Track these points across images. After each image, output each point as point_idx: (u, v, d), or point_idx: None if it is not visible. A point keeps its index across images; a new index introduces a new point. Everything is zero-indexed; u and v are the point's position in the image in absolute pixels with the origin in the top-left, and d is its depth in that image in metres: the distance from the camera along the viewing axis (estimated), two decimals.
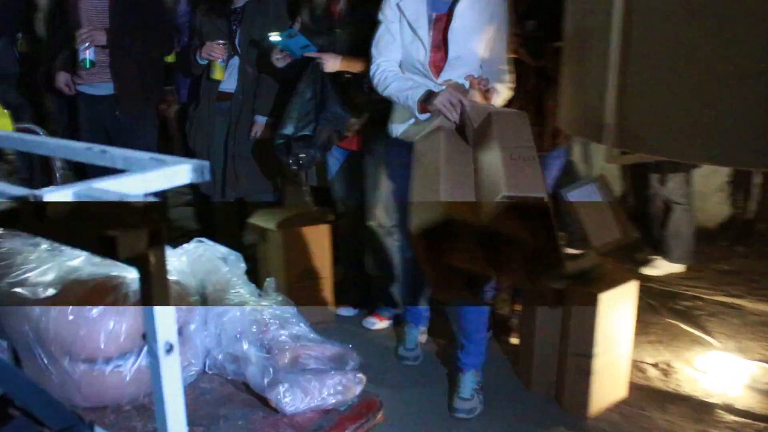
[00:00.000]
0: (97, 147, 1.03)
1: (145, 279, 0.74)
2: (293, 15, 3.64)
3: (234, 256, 1.93)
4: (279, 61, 3.33)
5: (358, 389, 1.51)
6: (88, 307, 1.52)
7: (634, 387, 3.02)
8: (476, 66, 2.73)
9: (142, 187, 0.84)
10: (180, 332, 1.59)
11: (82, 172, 4.60)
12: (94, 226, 0.73)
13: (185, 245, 1.91)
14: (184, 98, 4.14)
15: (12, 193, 0.81)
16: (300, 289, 3.48)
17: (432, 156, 2.31)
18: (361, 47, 3.13)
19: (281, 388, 1.48)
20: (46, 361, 1.57)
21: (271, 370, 1.53)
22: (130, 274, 1.51)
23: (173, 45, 3.80)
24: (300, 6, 3.65)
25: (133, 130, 3.69)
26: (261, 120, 3.62)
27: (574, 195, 2.72)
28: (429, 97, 2.58)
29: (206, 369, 1.71)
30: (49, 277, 1.58)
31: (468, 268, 2.19)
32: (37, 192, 0.77)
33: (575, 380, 2.83)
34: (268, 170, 3.75)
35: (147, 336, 0.77)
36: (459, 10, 2.69)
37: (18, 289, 1.58)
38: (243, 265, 1.94)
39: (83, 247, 0.77)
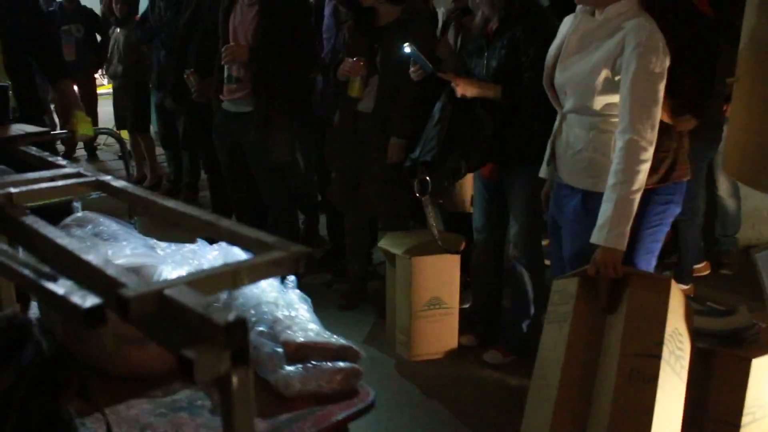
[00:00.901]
0: (204, 216, 0.98)
1: (226, 401, 0.66)
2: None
3: None
4: (414, 74, 3.24)
5: (354, 381, 1.62)
6: None
7: None
8: (591, 104, 2.35)
9: (237, 282, 0.77)
10: None
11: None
12: (175, 339, 0.66)
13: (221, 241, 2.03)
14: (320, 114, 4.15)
15: (106, 275, 0.77)
16: (424, 317, 3.39)
17: (563, 311, 2.34)
18: (503, 73, 3.00)
19: (282, 374, 1.60)
20: (84, 330, 1.68)
21: (276, 357, 1.65)
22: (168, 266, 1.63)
23: (316, 63, 3.80)
24: (458, 26, 3.55)
25: (268, 148, 3.71)
26: (396, 142, 3.54)
27: (763, 257, 2.45)
28: None
29: None
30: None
31: None
32: (124, 288, 0.71)
33: None
34: (403, 193, 3.66)
35: None
36: (572, 34, 2.41)
37: None
38: None
39: (167, 349, 0.71)
